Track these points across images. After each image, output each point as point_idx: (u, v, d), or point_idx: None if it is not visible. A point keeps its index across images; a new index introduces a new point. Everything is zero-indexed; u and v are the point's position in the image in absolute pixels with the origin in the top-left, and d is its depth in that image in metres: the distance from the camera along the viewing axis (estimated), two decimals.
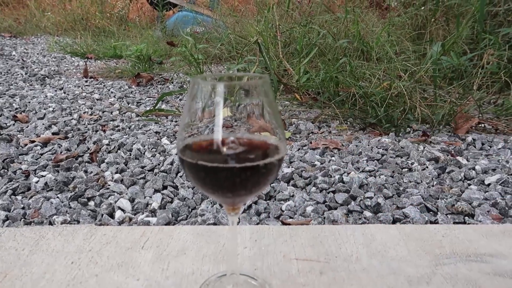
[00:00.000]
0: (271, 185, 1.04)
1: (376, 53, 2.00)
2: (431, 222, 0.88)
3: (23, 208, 0.92)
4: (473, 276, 0.63)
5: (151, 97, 2.16)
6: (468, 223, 0.87)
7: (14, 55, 3.43)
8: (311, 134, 1.56)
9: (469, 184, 1.08)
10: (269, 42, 2.30)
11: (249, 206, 0.94)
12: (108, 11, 5.45)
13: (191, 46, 2.40)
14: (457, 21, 2.08)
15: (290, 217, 0.90)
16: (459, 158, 1.25)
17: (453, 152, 1.32)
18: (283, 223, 0.86)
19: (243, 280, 0.61)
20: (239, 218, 0.89)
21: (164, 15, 4.89)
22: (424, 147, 1.35)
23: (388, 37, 2.18)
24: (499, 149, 1.38)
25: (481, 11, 2.01)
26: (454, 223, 0.87)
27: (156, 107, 1.81)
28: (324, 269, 0.65)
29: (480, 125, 1.64)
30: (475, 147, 1.40)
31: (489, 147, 1.40)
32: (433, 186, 1.07)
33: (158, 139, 1.41)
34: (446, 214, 0.91)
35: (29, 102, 1.88)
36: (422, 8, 2.68)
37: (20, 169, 1.12)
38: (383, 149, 1.34)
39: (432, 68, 1.74)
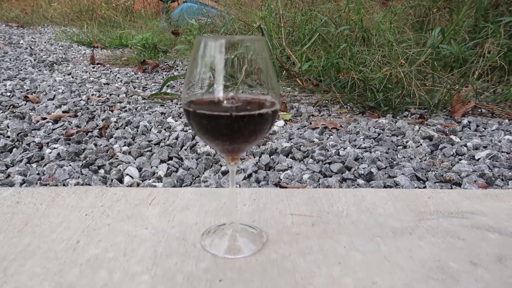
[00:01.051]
0: (271, 157, 1.09)
1: (376, 40, 2.05)
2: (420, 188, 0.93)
3: (38, 174, 0.99)
4: (452, 229, 0.68)
5: (156, 82, 2.22)
6: None
7: (22, 43, 3.49)
8: (311, 117, 1.61)
9: (460, 159, 1.13)
10: (272, 30, 2.35)
11: (249, 175, 0.99)
12: (114, 2, 5.51)
13: (196, 32, 2.45)
14: (457, 8, 2.12)
15: (288, 184, 0.95)
16: (452, 137, 1.30)
17: (447, 132, 1.37)
18: (281, 187, 0.92)
19: (242, 228, 0.67)
20: (239, 184, 0.95)
21: (169, 6, 4.93)
22: (419, 127, 1.40)
23: (389, 25, 2.22)
24: (493, 130, 1.42)
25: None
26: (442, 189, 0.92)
27: (161, 91, 1.87)
28: (317, 222, 0.70)
29: (476, 110, 1.68)
30: (469, 128, 1.45)
31: (483, 129, 1.45)
32: (425, 160, 1.12)
33: (163, 118, 1.47)
34: (435, 182, 0.96)
35: (39, 85, 1.94)
36: None
37: (34, 141, 1.18)
38: (380, 129, 1.39)
39: (431, 53, 1.78)
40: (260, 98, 0.55)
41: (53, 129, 1.31)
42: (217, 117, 0.52)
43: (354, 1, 2.38)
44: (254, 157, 1.10)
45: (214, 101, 0.53)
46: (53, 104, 1.58)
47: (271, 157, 1.10)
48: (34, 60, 2.66)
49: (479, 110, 1.68)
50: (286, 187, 0.90)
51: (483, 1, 2.17)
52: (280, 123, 1.45)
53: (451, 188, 0.94)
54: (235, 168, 0.60)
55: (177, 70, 2.57)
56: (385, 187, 0.93)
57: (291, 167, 1.05)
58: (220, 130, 0.53)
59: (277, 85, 0.56)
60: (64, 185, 0.93)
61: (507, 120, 1.54)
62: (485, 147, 1.21)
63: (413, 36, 2.20)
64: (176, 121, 1.45)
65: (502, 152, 1.17)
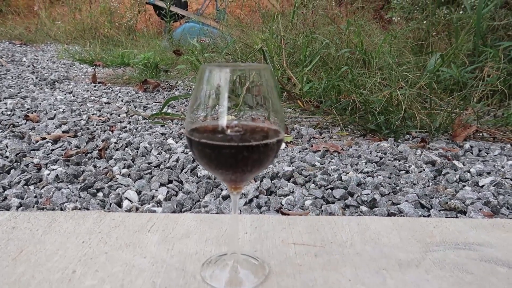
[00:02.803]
0: (272, 181, 1.08)
1: (376, 63, 2.06)
2: (424, 217, 0.91)
3: (35, 196, 0.97)
4: (460, 261, 0.66)
5: (157, 102, 2.22)
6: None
7: (24, 61, 3.52)
8: (312, 139, 1.60)
9: (464, 186, 1.11)
10: (273, 51, 2.37)
11: (251, 200, 0.98)
12: (117, 21, 5.58)
13: (197, 52, 2.47)
14: (456, 33, 2.14)
15: (289, 210, 0.94)
16: (455, 162, 1.29)
17: (449, 156, 1.36)
18: (283, 214, 0.90)
19: (243, 259, 0.65)
20: (240, 210, 0.93)
21: (171, 26, 4.99)
22: (422, 152, 1.40)
23: (389, 48, 2.24)
24: (495, 155, 1.41)
25: (478, 24, 2.07)
26: (447, 218, 0.91)
27: (162, 111, 1.87)
28: (320, 252, 0.69)
29: (478, 134, 1.68)
30: (472, 153, 1.44)
31: (485, 154, 1.44)
32: (428, 186, 1.11)
33: (164, 139, 1.46)
34: (439, 210, 0.94)
35: (40, 104, 1.94)
36: (424, 22, 2.75)
37: (32, 162, 1.17)
38: (381, 153, 1.38)
39: (430, 77, 1.79)
40: (264, 127, 0.55)
41: (52, 150, 1.29)
42: (220, 147, 0.51)
43: (354, 24, 2.41)
44: (255, 181, 1.08)
45: (217, 129, 0.52)
46: (53, 123, 1.58)
47: (272, 181, 1.08)
48: (36, 78, 2.67)
49: (481, 134, 1.68)
50: (288, 214, 0.89)
51: (481, 26, 2.19)
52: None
53: (456, 216, 0.92)
54: (237, 198, 0.59)
55: (178, 90, 2.58)
56: (389, 214, 0.92)
57: (292, 192, 1.03)
58: (223, 160, 0.51)
59: (282, 113, 0.55)
60: (61, 209, 0.91)
61: (509, 145, 1.53)
62: (488, 173, 1.19)
63: (412, 59, 2.22)
64: (176, 142, 1.44)
65: (506, 178, 1.15)
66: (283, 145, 1.45)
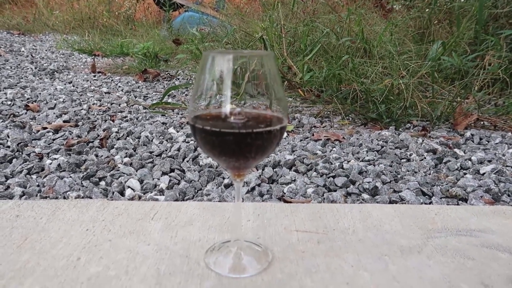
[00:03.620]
0: (274, 170, 1.08)
1: (377, 51, 2.05)
2: (426, 204, 0.92)
3: (38, 185, 0.97)
4: (461, 248, 0.67)
5: (157, 92, 2.22)
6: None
7: (23, 51, 3.49)
8: (313, 128, 1.60)
9: (465, 173, 1.12)
10: (273, 40, 2.35)
11: (253, 188, 0.98)
12: (115, 10, 5.53)
13: (198, 41, 2.46)
14: (457, 21, 2.13)
15: (291, 198, 0.94)
16: (456, 150, 1.29)
17: (451, 145, 1.36)
18: (285, 201, 0.90)
19: (247, 246, 0.65)
20: (242, 198, 0.93)
21: (171, 15, 4.95)
22: (423, 140, 1.40)
23: (390, 37, 2.23)
24: (496, 143, 1.41)
25: (480, 12, 2.05)
26: (448, 205, 0.91)
27: (162, 101, 1.87)
28: (322, 239, 0.69)
29: (479, 122, 1.67)
30: (473, 141, 1.44)
31: (486, 142, 1.44)
32: (429, 174, 1.11)
33: (165, 128, 1.46)
34: (441, 198, 0.95)
35: (40, 94, 1.93)
36: (426, 10, 2.73)
37: (34, 152, 1.17)
38: (383, 141, 1.38)
39: (432, 66, 1.78)
40: (267, 114, 0.54)
41: (53, 139, 1.29)
42: (223, 134, 0.50)
43: (355, 12, 2.39)
44: (257, 170, 1.08)
45: (221, 117, 0.52)
46: (54, 113, 1.57)
47: (274, 169, 1.08)
48: (35, 68, 2.66)
49: (482, 122, 1.68)
50: (290, 202, 0.89)
51: (483, 14, 2.18)
52: None
53: (458, 204, 0.93)
54: (240, 185, 0.59)
55: (178, 79, 2.57)
56: (390, 202, 0.92)
57: (294, 180, 1.03)
58: (227, 147, 0.51)
59: (285, 101, 0.55)
60: (64, 197, 0.91)
61: (510, 133, 1.53)
62: (489, 161, 1.20)
63: (413, 47, 2.20)
64: (177, 131, 1.43)
65: (507, 166, 1.16)
66: (285, 134, 1.45)
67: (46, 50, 3.63)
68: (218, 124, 0.51)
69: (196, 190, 0.98)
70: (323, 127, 1.60)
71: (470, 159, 1.20)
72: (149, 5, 5.83)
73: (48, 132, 1.35)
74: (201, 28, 3.23)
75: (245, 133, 0.51)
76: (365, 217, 0.77)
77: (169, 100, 1.98)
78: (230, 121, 0.52)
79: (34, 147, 1.22)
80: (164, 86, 2.36)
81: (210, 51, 0.52)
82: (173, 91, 2.14)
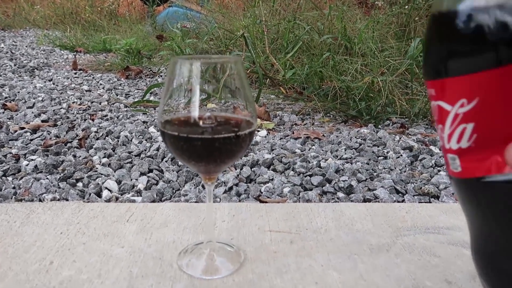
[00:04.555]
0: (252, 169, 1.09)
1: (359, 48, 2.07)
2: (398, 202, 0.94)
3: (13, 187, 0.96)
4: (429, 245, 0.69)
5: (139, 89, 2.20)
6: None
7: (2, 47, 3.43)
8: (294, 126, 1.62)
9: (439, 170, 1.14)
10: (256, 37, 2.35)
11: (230, 188, 0.99)
12: (98, 5, 5.45)
13: (180, 39, 2.44)
14: None
15: (268, 197, 0.95)
16: (432, 147, 1.32)
17: (427, 142, 1.39)
18: (261, 201, 0.92)
19: (219, 247, 0.66)
20: (219, 198, 0.94)
21: (154, 10, 4.90)
22: (400, 138, 1.42)
23: (372, 33, 2.25)
24: None
25: None
26: (420, 203, 0.94)
27: (144, 99, 1.86)
28: (295, 239, 0.70)
29: None
30: None
31: None
32: (405, 172, 1.13)
33: (145, 127, 1.46)
34: (413, 195, 0.97)
35: (18, 92, 1.91)
36: (406, 7, 2.76)
37: (10, 153, 1.16)
38: (361, 139, 1.40)
39: (411, 63, 1.81)
40: (236, 118, 0.55)
41: (31, 140, 1.28)
42: (190, 139, 0.51)
43: (337, 9, 2.41)
44: (235, 169, 1.09)
45: (189, 121, 0.52)
46: (32, 112, 1.55)
47: (252, 169, 1.09)
48: (15, 65, 2.61)
49: None
50: (266, 202, 0.90)
51: None
52: (262, 132, 1.45)
53: (429, 201, 0.95)
54: (212, 188, 0.60)
55: (161, 76, 2.55)
56: (364, 200, 0.94)
57: (272, 179, 1.05)
58: (195, 152, 0.52)
59: (254, 104, 0.56)
60: (40, 200, 0.91)
61: None
62: None
63: (395, 44, 2.23)
64: (158, 130, 1.43)
65: None
66: (265, 132, 1.46)
67: (26, 46, 3.57)
68: (185, 129, 0.52)
69: (174, 191, 0.99)
70: (304, 125, 1.62)
71: None
72: (132, 0, 5.76)
73: (25, 132, 1.34)
74: (184, 25, 3.21)
75: (213, 139, 0.51)
76: (338, 216, 0.79)
77: (151, 98, 1.97)
78: (198, 126, 0.52)
79: (11, 147, 1.21)
80: (147, 84, 2.35)
81: (178, 57, 0.53)
82: (155, 88, 2.13)
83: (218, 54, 2.75)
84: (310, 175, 1.05)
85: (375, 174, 1.11)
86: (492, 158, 0.38)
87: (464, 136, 0.39)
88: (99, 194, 0.95)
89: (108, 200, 0.93)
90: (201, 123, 0.53)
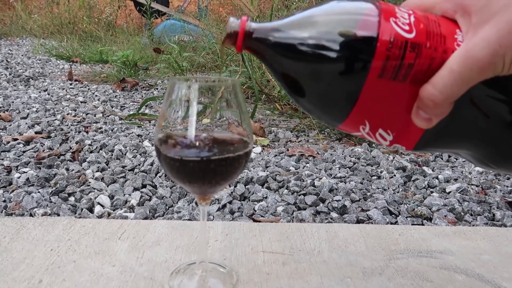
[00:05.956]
0: (246, 187, 1.09)
1: None
2: (391, 224, 0.94)
3: (4, 201, 0.95)
4: (421, 269, 0.69)
5: (135, 102, 2.20)
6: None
7: None
8: (289, 142, 1.62)
9: (432, 192, 1.15)
10: None
11: (224, 206, 0.99)
12: (96, 16, 5.48)
13: (176, 53, 2.46)
14: None
15: (262, 216, 0.95)
16: (425, 168, 1.33)
17: (420, 162, 1.40)
18: (254, 220, 0.91)
19: (212, 268, 0.66)
20: (213, 216, 0.94)
21: (152, 23, 4.94)
22: (393, 157, 1.43)
23: None
24: (463, 161, 1.46)
25: None
26: (412, 225, 0.94)
27: (139, 112, 1.86)
28: (288, 260, 0.70)
29: None
30: (442, 159, 1.49)
31: (455, 159, 1.49)
32: (398, 192, 1.14)
33: (140, 141, 1.45)
34: (406, 217, 0.97)
35: (13, 102, 1.90)
36: None
37: (2, 165, 1.15)
38: (355, 158, 1.41)
39: None
40: (232, 138, 0.55)
41: (23, 151, 1.27)
42: (186, 161, 0.51)
43: None
44: (230, 187, 1.09)
45: (184, 142, 0.52)
46: (26, 123, 1.55)
47: (246, 186, 1.09)
48: (10, 74, 2.60)
49: None
50: (259, 221, 0.90)
51: None
52: (257, 149, 1.46)
53: (422, 223, 0.96)
54: (206, 208, 0.60)
55: (157, 89, 2.56)
56: (358, 221, 0.94)
57: (266, 197, 1.05)
58: (190, 173, 0.52)
59: (250, 125, 0.57)
60: (31, 214, 0.90)
61: None
62: (456, 180, 1.24)
63: None
64: (152, 145, 1.43)
65: (471, 185, 1.20)
66: (259, 149, 1.46)
67: (22, 55, 3.56)
68: (180, 150, 0.52)
69: (167, 207, 0.98)
70: (298, 142, 1.63)
71: (437, 177, 1.23)
72: (130, 11, 5.80)
73: (18, 143, 1.33)
74: (181, 39, 3.23)
75: (209, 160, 0.51)
76: (331, 237, 0.79)
77: (146, 111, 1.97)
78: (194, 147, 0.52)
79: (3, 159, 1.20)
80: (142, 96, 2.35)
81: (175, 78, 0.53)
82: (150, 101, 2.14)
83: (214, 68, 2.77)
84: (304, 194, 1.05)
85: (368, 194, 1.11)
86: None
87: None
88: (91, 209, 0.95)
89: (100, 216, 0.92)
90: (197, 143, 0.53)
